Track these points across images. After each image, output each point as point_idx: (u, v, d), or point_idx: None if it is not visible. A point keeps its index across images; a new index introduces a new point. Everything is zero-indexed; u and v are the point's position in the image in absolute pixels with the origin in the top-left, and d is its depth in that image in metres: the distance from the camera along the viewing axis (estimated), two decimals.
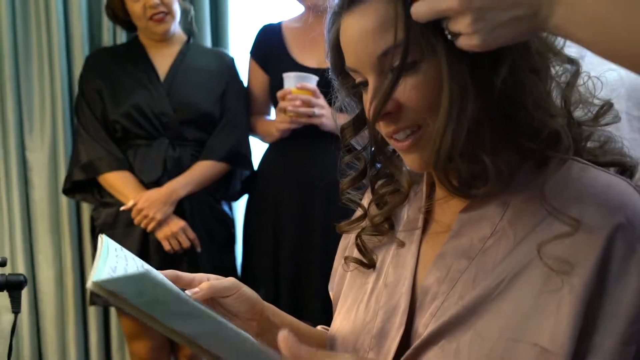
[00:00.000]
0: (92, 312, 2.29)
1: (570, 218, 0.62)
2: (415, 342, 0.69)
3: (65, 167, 2.18)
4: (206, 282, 0.79)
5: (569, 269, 0.61)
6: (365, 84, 0.71)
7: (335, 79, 0.79)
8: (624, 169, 0.71)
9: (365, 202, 0.87)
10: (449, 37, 0.61)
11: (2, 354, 2.21)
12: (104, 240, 0.73)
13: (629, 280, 0.60)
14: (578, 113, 0.70)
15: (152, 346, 1.99)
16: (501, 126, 0.66)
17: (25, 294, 2.18)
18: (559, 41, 0.68)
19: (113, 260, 0.67)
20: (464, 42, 0.60)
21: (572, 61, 0.69)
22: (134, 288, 0.59)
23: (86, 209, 2.26)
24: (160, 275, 0.76)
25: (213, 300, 0.79)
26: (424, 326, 0.69)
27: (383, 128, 0.71)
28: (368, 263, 0.82)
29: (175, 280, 0.79)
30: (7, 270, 1.07)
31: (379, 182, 0.84)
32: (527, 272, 0.64)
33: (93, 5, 2.27)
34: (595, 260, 0.60)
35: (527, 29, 0.58)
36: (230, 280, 0.80)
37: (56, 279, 2.27)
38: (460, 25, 0.59)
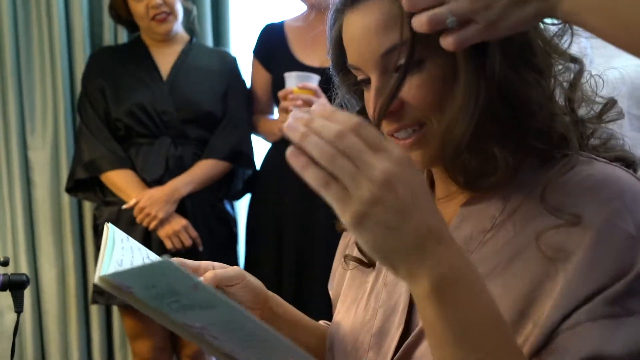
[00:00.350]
0: (95, 311, 2.30)
1: (570, 215, 0.62)
2: (411, 335, 0.69)
3: (67, 166, 2.19)
4: (211, 271, 0.79)
5: (563, 256, 0.61)
6: (367, 81, 0.71)
7: (336, 75, 0.79)
8: (627, 165, 0.71)
9: None
10: (452, 24, 0.59)
11: (5, 353, 2.21)
12: (109, 229, 0.72)
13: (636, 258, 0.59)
14: (581, 111, 0.70)
15: (154, 345, 1.99)
16: (504, 124, 0.66)
17: (27, 293, 2.18)
18: (564, 41, 0.68)
19: (119, 253, 0.67)
20: (473, 29, 0.58)
21: (576, 60, 0.69)
22: (142, 280, 0.58)
23: (88, 208, 2.27)
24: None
25: (217, 288, 0.80)
26: None
27: (385, 126, 0.71)
28: (367, 262, 0.82)
29: None
30: (9, 269, 1.07)
31: None
32: (522, 258, 0.64)
33: (94, 4, 2.27)
34: (590, 246, 0.60)
35: (535, 12, 0.57)
36: (235, 269, 0.81)
37: (58, 278, 2.28)
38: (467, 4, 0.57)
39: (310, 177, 0.53)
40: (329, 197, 0.53)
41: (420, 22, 0.60)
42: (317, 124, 0.54)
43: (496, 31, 0.59)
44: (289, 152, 0.54)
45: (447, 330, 0.54)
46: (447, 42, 0.60)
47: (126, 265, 0.64)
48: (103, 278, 0.58)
